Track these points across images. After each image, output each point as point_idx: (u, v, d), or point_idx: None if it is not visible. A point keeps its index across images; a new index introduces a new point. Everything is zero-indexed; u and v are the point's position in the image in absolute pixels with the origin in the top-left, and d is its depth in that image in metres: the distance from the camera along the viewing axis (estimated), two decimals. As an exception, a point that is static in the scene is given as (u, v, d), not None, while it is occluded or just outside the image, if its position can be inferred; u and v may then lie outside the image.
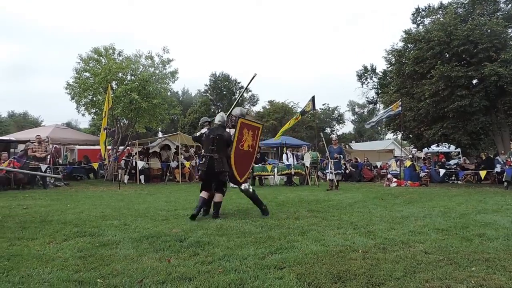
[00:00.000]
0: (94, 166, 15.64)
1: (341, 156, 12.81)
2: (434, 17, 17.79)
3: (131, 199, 9.20)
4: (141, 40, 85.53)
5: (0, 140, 15.55)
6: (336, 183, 12.27)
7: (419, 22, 20.56)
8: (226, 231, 5.04)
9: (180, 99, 43.64)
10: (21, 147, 17.01)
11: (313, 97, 15.08)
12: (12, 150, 15.44)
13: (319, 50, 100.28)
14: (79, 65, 15.80)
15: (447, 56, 14.68)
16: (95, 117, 17.98)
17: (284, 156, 15.33)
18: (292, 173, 14.47)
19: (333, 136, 12.62)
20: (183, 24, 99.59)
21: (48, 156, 13.31)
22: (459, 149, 23.36)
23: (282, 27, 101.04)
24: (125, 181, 14.63)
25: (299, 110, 39.09)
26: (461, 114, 14.15)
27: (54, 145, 17.51)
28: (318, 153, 15.96)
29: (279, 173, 14.48)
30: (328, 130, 31.57)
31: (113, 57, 16.07)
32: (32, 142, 13.02)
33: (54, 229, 5.03)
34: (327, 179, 12.68)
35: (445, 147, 22.53)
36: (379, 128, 48.98)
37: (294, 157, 15.27)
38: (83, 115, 17.06)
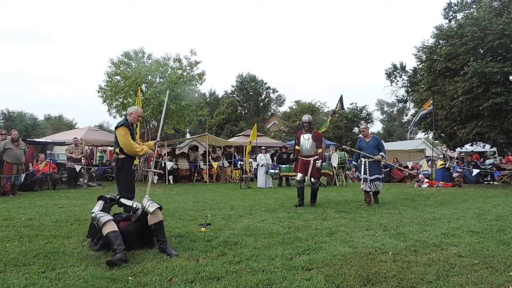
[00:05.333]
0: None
1: (382, 154, 8.29)
2: (467, 11, 17.14)
3: (160, 199, 9.39)
4: (170, 43, 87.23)
5: (37, 142, 16.28)
6: (372, 194, 8.28)
7: (451, 17, 19.89)
8: (254, 231, 5.06)
9: (207, 100, 44.16)
10: (56, 148, 17.76)
11: (341, 96, 14.87)
12: (48, 152, 16.14)
13: (347, 48, 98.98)
14: (110, 69, 16.33)
15: (481, 51, 14.12)
16: (126, 119, 18.48)
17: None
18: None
19: (362, 126, 9.10)
20: (209, 25, 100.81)
21: (83, 158, 13.85)
22: (494, 149, 22.40)
23: (309, 26, 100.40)
24: (155, 182, 14.95)
25: (326, 109, 38.80)
26: (497, 112, 13.57)
27: (90, 147, 18.15)
28: (345, 153, 15.73)
29: (306, 173, 14.37)
30: (356, 130, 30.99)
31: (142, 60, 16.49)
32: (69, 144, 13.56)
33: (88, 228, 5.18)
34: (361, 188, 8.43)
35: (480, 146, 21.67)
36: (408, 127, 47.76)
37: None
38: (114, 117, 17.61)
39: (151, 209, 4.05)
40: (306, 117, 8.38)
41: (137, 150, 4.78)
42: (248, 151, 16.01)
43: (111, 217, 4.04)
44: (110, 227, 3.87)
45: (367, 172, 8.13)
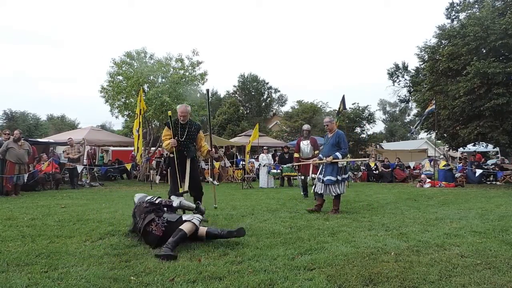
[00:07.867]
0: (127, 167, 16.11)
1: (338, 154, 6.75)
2: (469, 11, 17.09)
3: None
4: (172, 43, 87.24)
5: (40, 142, 16.30)
6: (331, 199, 6.87)
7: (453, 17, 19.85)
8: (256, 231, 5.06)
9: (209, 100, 44.14)
10: (59, 148, 17.80)
11: (343, 96, 14.85)
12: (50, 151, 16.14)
13: (349, 48, 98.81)
14: (112, 69, 16.35)
15: (484, 51, 14.08)
16: (128, 119, 18.56)
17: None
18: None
19: (326, 119, 7.41)
20: (211, 26, 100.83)
21: (82, 157, 13.89)
22: (497, 149, 22.34)
23: (310, 26, 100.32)
24: (157, 182, 14.97)
25: (328, 110, 38.72)
26: (498, 113, 13.53)
27: (92, 147, 18.19)
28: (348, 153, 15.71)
29: (308, 173, 14.38)
30: (358, 130, 30.92)
31: (144, 60, 16.50)
32: (67, 145, 13.66)
33: (90, 228, 5.21)
34: (313, 190, 7.17)
35: (482, 146, 21.62)
36: (411, 127, 47.62)
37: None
38: (116, 117, 17.66)
39: (188, 218, 4.35)
40: (306, 126, 10.28)
41: (165, 146, 5.75)
42: (248, 150, 16.03)
43: (198, 223, 4.34)
44: (189, 229, 4.18)
45: (322, 171, 6.94)
